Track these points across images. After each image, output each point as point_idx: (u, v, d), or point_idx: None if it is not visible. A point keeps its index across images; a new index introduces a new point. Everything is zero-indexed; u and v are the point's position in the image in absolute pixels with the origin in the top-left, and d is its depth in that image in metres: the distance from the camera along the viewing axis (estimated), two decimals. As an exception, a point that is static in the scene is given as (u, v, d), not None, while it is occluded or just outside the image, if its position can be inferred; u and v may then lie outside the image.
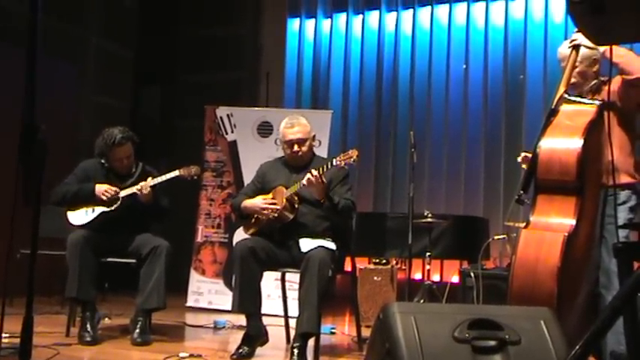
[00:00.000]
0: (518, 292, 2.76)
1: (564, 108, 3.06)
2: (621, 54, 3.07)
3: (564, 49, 3.31)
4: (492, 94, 7.40)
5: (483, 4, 7.59)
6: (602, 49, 3.13)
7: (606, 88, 3.19)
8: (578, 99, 3.15)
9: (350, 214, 4.12)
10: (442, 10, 7.79)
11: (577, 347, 1.64)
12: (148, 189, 4.31)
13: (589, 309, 3.06)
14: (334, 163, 3.83)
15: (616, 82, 3.15)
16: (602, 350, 3.06)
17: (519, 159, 3.55)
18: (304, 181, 3.82)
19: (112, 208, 4.33)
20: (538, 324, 2.08)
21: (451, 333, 2.01)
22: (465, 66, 7.57)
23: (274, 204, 4.02)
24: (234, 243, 5.64)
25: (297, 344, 3.66)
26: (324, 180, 3.87)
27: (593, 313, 3.08)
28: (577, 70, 3.28)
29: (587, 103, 3.11)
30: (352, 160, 3.79)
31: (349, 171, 4.16)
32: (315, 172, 3.79)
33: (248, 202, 4.12)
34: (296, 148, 4.09)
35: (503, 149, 7.20)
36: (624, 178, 3.18)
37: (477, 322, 2.04)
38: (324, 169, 3.85)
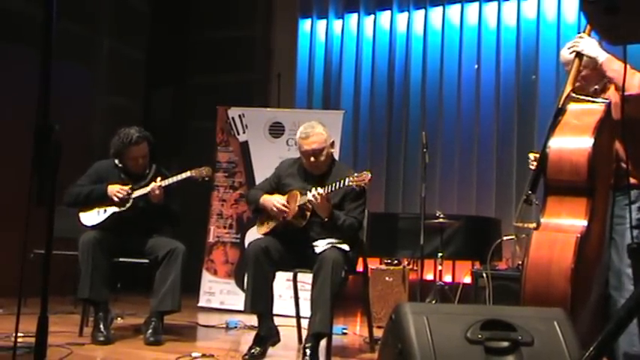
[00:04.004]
0: (531, 294, 2.75)
1: (571, 107, 3.01)
2: (616, 68, 3.00)
3: (566, 53, 3.26)
4: (504, 94, 7.37)
5: (495, 4, 7.56)
6: (601, 59, 3.08)
7: (612, 86, 3.15)
8: (586, 97, 3.11)
9: (353, 234, 4.03)
10: (454, 10, 7.77)
11: (591, 348, 1.63)
12: (160, 190, 4.32)
13: (599, 311, 3.04)
14: (347, 183, 3.82)
15: (614, 95, 3.10)
16: (614, 352, 3.04)
17: (531, 163, 3.51)
18: (310, 198, 3.83)
19: (124, 208, 4.35)
20: (551, 325, 2.08)
21: (464, 334, 2.01)
22: (476, 66, 7.54)
23: (286, 209, 4.01)
24: (245, 243, 5.67)
25: (310, 344, 3.66)
26: (329, 201, 3.87)
27: (604, 315, 3.06)
28: (582, 74, 3.23)
29: (595, 102, 3.07)
30: (364, 183, 3.78)
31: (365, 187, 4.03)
32: (316, 193, 3.80)
33: (266, 197, 4.11)
34: (313, 159, 4.03)
35: (515, 149, 7.17)
36: (630, 179, 3.13)
37: (489, 322, 2.04)
38: (334, 188, 3.85)
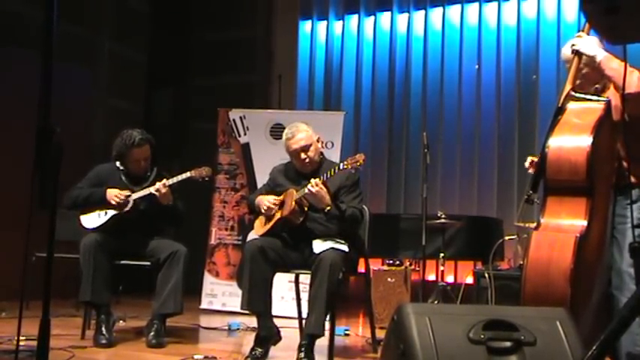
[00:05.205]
0: (531, 295, 2.74)
1: (571, 106, 2.99)
2: (615, 67, 2.97)
3: (567, 51, 3.25)
4: (505, 94, 7.37)
5: (495, 4, 7.56)
6: (599, 58, 3.05)
7: (612, 86, 3.14)
8: (586, 96, 3.09)
9: (357, 223, 4.06)
10: (454, 10, 7.77)
11: (594, 348, 1.63)
12: (166, 189, 4.32)
13: (602, 311, 3.03)
14: (341, 167, 3.83)
15: (613, 95, 3.09)
16: (617, 352, 3.03)
17: (527, 164, 3.51)
18: (307, 191, 3.83)
19: (124, 210, 4.35)
20: (554, 325, 2.07)
21: (466, 334, 2.01)
22: (477, 66, 7.54)
23: (281, 204, 4.03)
24: (247, 245, 5.65)
25: (304, 343, 3.68)
26: (327, 187, 3.87)
27: (607, 314, 3.06)
28: (582, 72, 3.21)
29: (595, 100, 3.05)
30: (358, 164, 3.78)
31: (359, 176, 4.12)
32: (314, 181, 3.81)
33: (259, 198, 4.17)
34: (303, 155, 4.05)
35: (516, 149, 7.16)
36: (631, 178, 3.12)
37: (492, 323, 2.03)
38: (329, 175, 3.85)
